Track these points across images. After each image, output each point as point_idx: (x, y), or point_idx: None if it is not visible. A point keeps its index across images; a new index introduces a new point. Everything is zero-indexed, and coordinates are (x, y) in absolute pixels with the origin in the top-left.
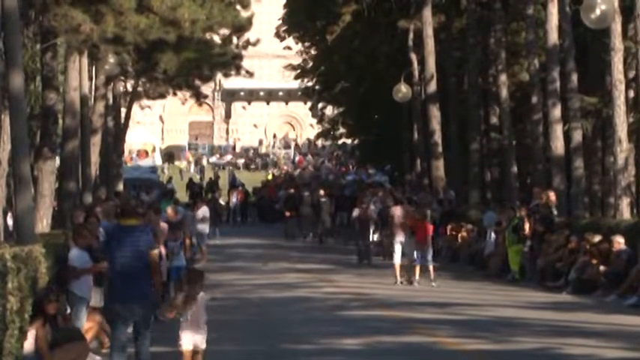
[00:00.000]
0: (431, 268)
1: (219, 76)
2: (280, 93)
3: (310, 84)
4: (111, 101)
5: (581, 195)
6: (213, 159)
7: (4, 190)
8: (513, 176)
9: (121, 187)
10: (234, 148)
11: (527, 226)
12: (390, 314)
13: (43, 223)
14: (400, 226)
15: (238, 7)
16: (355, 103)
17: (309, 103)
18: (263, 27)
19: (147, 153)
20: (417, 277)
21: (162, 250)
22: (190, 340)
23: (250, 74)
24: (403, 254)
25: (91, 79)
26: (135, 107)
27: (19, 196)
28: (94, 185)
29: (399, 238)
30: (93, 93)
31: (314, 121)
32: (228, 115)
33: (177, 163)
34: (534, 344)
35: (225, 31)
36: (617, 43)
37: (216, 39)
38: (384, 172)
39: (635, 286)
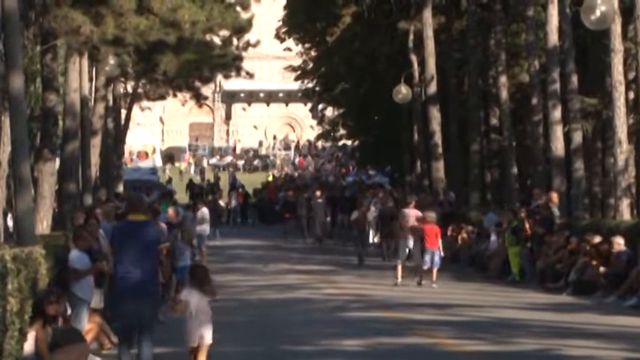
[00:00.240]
0: (434, 269)
1: (219, 77)
2: (280, 94)
3: (310, 85)
4: (111, 103)
5: (581, 196)
6: (213, 160)
7: (4, 192)
8: (513, 177)
9: (121, 188)
10: (234, 149)
11: (527, 227)
12: (390, 315)
13: (43, 225)
14: (411, 228)
15: (238, 8)
16: (355, 105)
17: (309, 105)
18: (263, 28)
19: (147, 154)
20: (435, 278)
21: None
22: (196, 336)
23: (250, 75)
24: (409, 256)
25: (91, 80)
26: (135, 108)
27: (19, 197)
28: (94, 186)
29: (409, 240)
30: (93, 94)
31: (314, 122)
32: (228, 117)
33: (177, 164)
34: (534, 345)
35: (225, 33)
36: (617, 44)
37: (217, 40)
38: (384, 173)
39: (635, 287)
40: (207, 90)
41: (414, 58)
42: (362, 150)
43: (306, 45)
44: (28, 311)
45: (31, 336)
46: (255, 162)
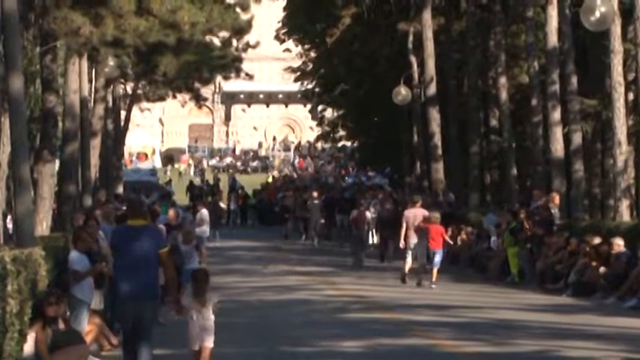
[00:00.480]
0: (435, 270)
1: (218, 78)
2: (280, 95)
3: (310, 86)
4: (111, 104)
5: (580, 197)
6: (213, 161)
7: (4, 193)
8: (513, 178)
9: (120, 189)
10: (234, 150)
11: (526, 228)
12: (389, 317)
13: (43, 226)
14: (416, 229)
15: (238, 9)
16: (355, 106)
17: (308, 106)
18: (263, 29)
19: (146, 155)
20: (435, 279)
21: None
22: (198, 339)
23: (250, 77)
24: (414, 257)
25: (90, 81)
26: (135, 110)
27: (19, 198)
28: (94, 188)
29: (413, 241)
30: (93, 96)
31: (314, 123)
32: (227, 118)
33: (176, 165)
34: (534, 347)
35: (224, 34)
36: (617, 45)
37: (216, 42)
38: (383, 174)
39: (634, 288)
40: (206, 91)
41: (413, 59)
42: (362, 151)
43: (306, 46)
44: (28, 312)
45: (30, 337)
46: (255, 163)
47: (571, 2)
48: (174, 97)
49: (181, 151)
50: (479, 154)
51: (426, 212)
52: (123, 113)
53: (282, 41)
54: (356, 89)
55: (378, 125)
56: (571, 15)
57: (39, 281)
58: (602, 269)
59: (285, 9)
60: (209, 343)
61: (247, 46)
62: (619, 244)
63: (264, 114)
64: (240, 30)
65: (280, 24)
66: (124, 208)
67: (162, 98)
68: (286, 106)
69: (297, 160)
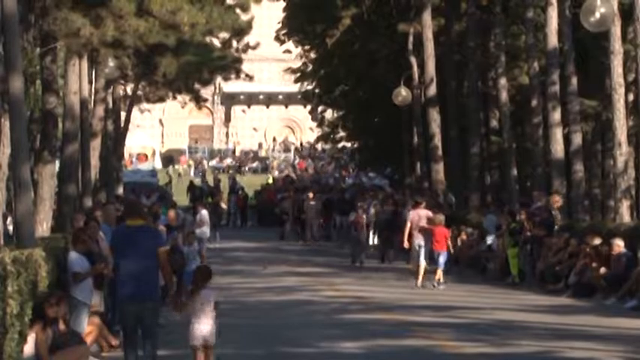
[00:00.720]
0: (438, 271)
1: (218, 79)
2: (280, 96)
3: (310, 87)
4: (111, 105)
5: (581, 198)
6: (212, 162)
7: (4, 194)
8: (513, 179)
9: (120, 190)
10: (234, 151)
11: (526, 229)
12: (389, 317)
13: (43, 227)
14: (420, 230)
15: (238, 10)
16: (355, 107)
17: (308, 107)
18: (263, 30)
19: (146, 156)
20: (442, 280)
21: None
22: (200, 335)
23: (250, 78)
24: (418, 258)
25: (90, 82)
26: (135, 111)
27: (19, 199)
28: (94, 189)
29: (418, 241)
30: (93, 96)
31: (314, 124)
32: (227, 119)
33: (176, 167)
34: (534, 347)
35: (224, 35)
36: (617, 46)
37: (216, 42)
38: (384, 175)
39: (634, 289)
40: (206, 92)
41: (413, 60)
42: (362, 152)
43: (306, 47)
44: (28, 313)
45: (31, 338)
46: (255, 164)
47: (571, 3)
48: (175, 98)
49: (181, 152)
50: (479, 155)
51: (430, 213)
52: (123, 114)
53: (282, 42)
54: (356, 90)
55: (378, 126)
56: (571, 16)
57: (39, 282)
58: (602, 270)
59: (285, 10)
60: (211, 340)
61: (247, 47)
62: (619, 244)
63: (264, 115)
64: (240, 31)
65: (280, 25)
66: (122, 211)
67: (162, 99)
68: (286, 107)
69: (297, 161)
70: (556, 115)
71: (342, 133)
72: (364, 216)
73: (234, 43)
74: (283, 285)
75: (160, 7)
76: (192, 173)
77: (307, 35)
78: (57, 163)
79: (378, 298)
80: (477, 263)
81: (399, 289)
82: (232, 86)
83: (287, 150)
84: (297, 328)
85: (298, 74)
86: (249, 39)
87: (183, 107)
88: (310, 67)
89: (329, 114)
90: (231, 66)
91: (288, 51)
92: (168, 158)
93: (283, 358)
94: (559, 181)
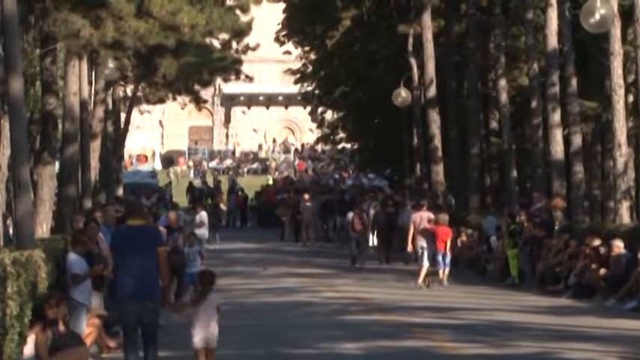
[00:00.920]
0: (446, 271)
1: (218, 80)
2: (280, 97)
3: (310, 88)
4: (110, 106)
5: (580, 199)
6: (212, 163)
7: (4, 195)
8: (513, 181)
9: (120, 191)
10: (233, 152)
11: (526, 230)
12: (389, 318)
13: (43, 228)
14: (422, 231)
15: (238, 11)
16: (355, 108)
17: (308, 108)
18: (263, 31)
19: (146, 158)
20: (446, 278)
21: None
22: (202, 338)
23: (250, 79)
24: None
25: (90, 83)
26: (134, 112)
27: (19, 200)
28: (94, 190)
29: (421, 243)
30: (92, 98)
31: (314, 125)
32: (227, 120)
33: (175, 168)
34: (534, 349)
35: (224, 36)
36: (617, 47)
37: (216, 44)
38: (383, 176)
39: (634, 290)
40: (206, 93)
41: (413, 61)
42: (362, 153)
43: (306, 48)
44: (28, 314)
45: (30, 339)
46: (254, 165)
47: (571, 4)
48: (174, 99)
49: (181, 153)
50: (479, 156)
51: (431, 215)
52: (123, 115)
53: (282, 43)
54: (356, 91)
55: (378, 127)
56: (571, 17)
57: (39, 283)
58: (602, 271)
59: (284, 11)
60: (213, 343)
61: (247, 48)
62: (619, 245)
63: (264, 116)
64: (240, 32)
65: (280, 26)
66: (123, 211)
67: (162, 100)
68: (286, 108)
69: (297, 162)
70: (556, 117)
71: (341, 134)
72: (364, 216)
73: (234, 45)
74: (283, 286)
75: (160, 8)
76: (192, 174)
77: (307, 36)
78: (57, 165)
79: (377, 299)
80: (476, 264)
81: (398, 290)
82: (232, 87)
83: (287, 151)
84: (297, 329)
85: (298, 75)
86: (249, 40)
87: (183, 108)
88: (310, 69)
89: (329, 115)
90: (231, 67)
91: (288, 52)
92: (168, 159)
93: (283, 359)
94: (559, 182)
